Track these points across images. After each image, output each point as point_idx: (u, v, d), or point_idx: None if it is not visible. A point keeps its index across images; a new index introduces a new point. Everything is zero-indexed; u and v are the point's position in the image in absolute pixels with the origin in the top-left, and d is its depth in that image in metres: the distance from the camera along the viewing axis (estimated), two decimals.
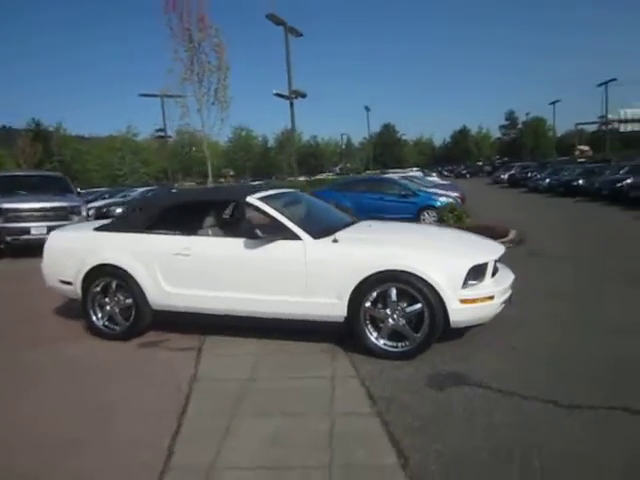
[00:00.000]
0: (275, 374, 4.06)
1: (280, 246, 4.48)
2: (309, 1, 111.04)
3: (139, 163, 53.69)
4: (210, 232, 5.41)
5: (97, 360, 4.60)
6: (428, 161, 78.81)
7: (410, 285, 4.11)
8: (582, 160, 33.11)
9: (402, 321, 4.18)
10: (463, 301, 4.08)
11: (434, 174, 39.24)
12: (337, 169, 69.92)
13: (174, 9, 12.96)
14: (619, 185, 18.00)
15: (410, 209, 13.41)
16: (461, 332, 4.54)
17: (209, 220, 5.67)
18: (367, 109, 48.01)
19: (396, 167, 55.46)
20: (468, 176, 56.80)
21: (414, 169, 46.65)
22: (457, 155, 74.91)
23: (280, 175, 63.65)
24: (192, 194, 6.53)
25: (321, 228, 4.71)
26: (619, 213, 14.51)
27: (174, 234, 4.91)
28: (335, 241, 4.44)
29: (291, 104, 21.14)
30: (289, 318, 4.53)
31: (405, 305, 4.17)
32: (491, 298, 4.20)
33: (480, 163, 66.44)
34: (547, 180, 26.96)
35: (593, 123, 76.61)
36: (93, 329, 5.13)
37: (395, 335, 4.24)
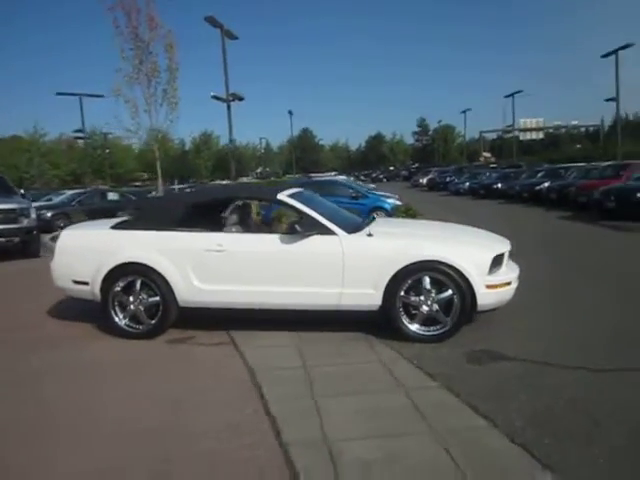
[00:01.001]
0: (326, 361, 4.29)
1: (317, 241, 4.73)
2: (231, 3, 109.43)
3: (48, 165, 50.47)
4: (242, 228, 5.52)
5: (133, 358, 4.60)
6: (344, 165, 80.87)
7: (443, 274, 4.53)
8: (494, 166, 35.67)
9: (435, 307, 4.59)
10: (488, 286, 4.56)
11: (351, 178, 40.38)
12: (255, 173, 69.78)
13: (122, 8, 12.64)
14: (538, 188, 19.81)
15: (362, 210, 13.94)
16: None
17: (240, 217, 5.77)
18: (290, 113, 48.52)
19: (316, 171, 56.45)
20: (385, 180, 59.03)
21: (332, 173, 47.79)
22: (373, 160, 77.53)
23: (199, 179, 62.48)
24: (221, 192, 6.50)
25: (349, 224, 5.02)
26: (545, 213, 15.97)
27: (206, 231, 5.00)
28: (370, 235, 4.77)
29: (228, 107, 21.10)
30: (323, 309, 4.79)
31: (435, 292, 4.58)
32: (509, 284, 4.72)
33: (392, 168, 69.23)
34: (467, 184, 28.87)
35: (496, 131, 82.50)
36: (115, 329, 5.08)
37: (427, 320, 4.64)
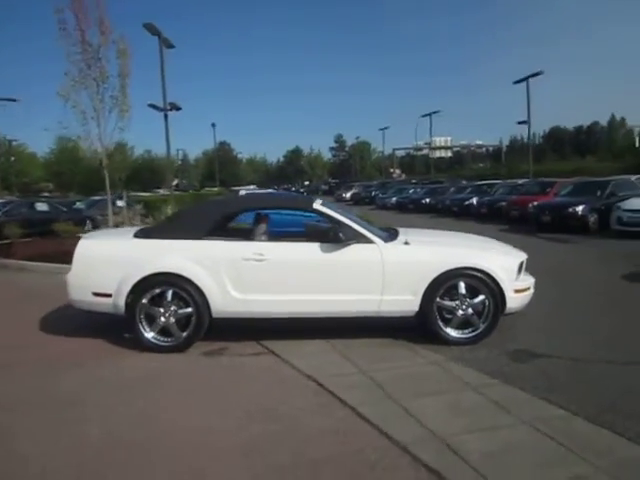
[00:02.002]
0: (378, 366, 4.40)
1: (356, 249, 4.87)
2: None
3: None
4: (276, 237, 5.49)
5: (179, 371, 4.45)
6: (262, 179, 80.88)
7: (477, 279, 4.84)
8: (414, 181, 37.36)
9: (470, 311, 4.88)
10: (516, 291, 4.93)
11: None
12: (172, 185, 67.71)
13: (74, 9, 12.01)
14: (467, 203, 21.13)
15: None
16: None
17: (272, 226, 5.72)
18: (213, 125, 47.90)
19: (236, 185, 55.94)
20: (305, 194, 59.74)
21: (251, 187, 47.65)
22: (291, 174, 78.26)
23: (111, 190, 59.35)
24: (255, 201, 6.36)
25: (382, 233, 5.19)
26: (482, 226, 17.04)
27: (241, 240, 4.96)
28: (407, 243, 4.98)
29: (165, 116, 20.53)
30: (363, 316, 4.92)
31: (469, 297, 4.88)
32: (529, 288, 5.12)
33: (307, 183, 70.34)
34: (394, 198, 30.05)
35: (408, 149, 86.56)
36: (143, 343, 4.87)
37: (462, 324, 4.91)
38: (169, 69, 20.77)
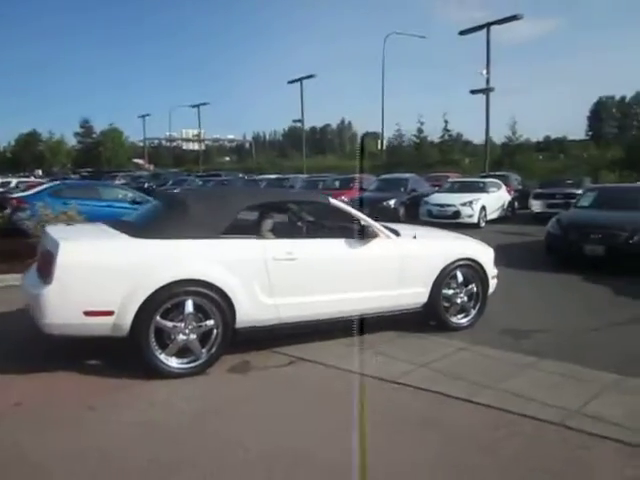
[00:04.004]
0: (424, 358, 4.44)
1: (378, 245, 4.81)
2: None
3: None
4: (302, 234, 4.87)
5: (228, 397, 3.75)
6: None
7: (471, 269, 5.28)
8: (202, 174, 36.21)
9: (465, 298, 5.30)
10: (492, 277, 5.54)
11: None
12: None
13: None
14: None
15: None
16: None
17: (296, 222, 5.00)
18: None
19: None
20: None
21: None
22: (26, 161, 67.61)
23: None
24: (271, 195, 5.33)
25: (390, 229, 5.17)
26: None
27: (272, 238, 4.39)
28: (415, 238, 5.11)
29: None
30: (382, 311, 4.89)
31: (464, 285, 5.29)
32: (497, 276, 5.78)
33: (55, 169, 62.10)
34: (177, 190, 28.77)
35: (159, 139, 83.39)
36: (160, 370, 3.94)
37: (460, 311, 5.30)
38: None
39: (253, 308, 4.23)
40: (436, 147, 40.72)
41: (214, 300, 4.04)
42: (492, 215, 15.13)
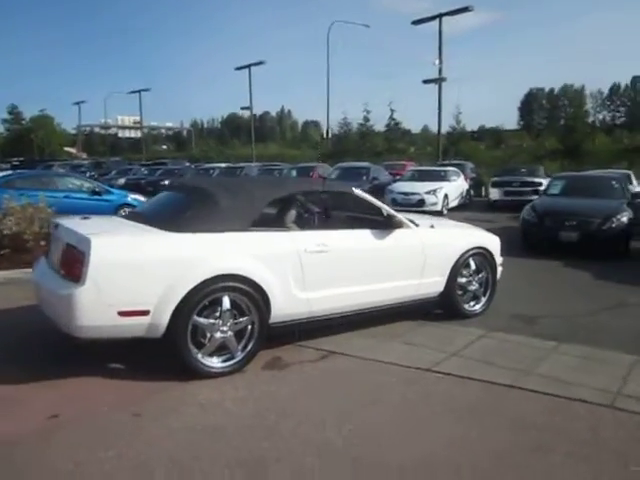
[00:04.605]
0: (452, 347, 4.49)
1: (401, 234, 4.79)
2: None
3: None
4: (330, 225, 4.71)
5: (288, 396, 3.63)
6: None
7: (483, 257, 5.38)
8: (148, 163, 34.74)
9: (477, 285, 5.40)
10: (499, 265, 5.67)
11: None
12: None
13: None
14: None
15: (107, 208, 12.20)
16: None
17: (322, 213, 4.81)
18: None
19: None
20: None
21: None
22: None
23: None
24: (296, 185, 5.03)
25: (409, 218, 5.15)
26: None
27: (300, 229, 4.26)
28: (432, 227, 5.13)
29: None
30: (403, 301, 4.90)
31: (476, 273, 5.38)
32: (502, 264, 5.90)
33: None
34: (123, 180, 27.66)
35: (91, 126, 79.76)
36: (198, 369, 3.76)
37: (473, 298, 5.39)
38: None
39: (287, 302, 4.12)
40: (381, 136, 41.20)
41: (251, 295, 3.90)
42: (453, 203, 15.53)
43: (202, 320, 3.76)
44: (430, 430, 3.14)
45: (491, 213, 15.11)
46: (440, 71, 21.77)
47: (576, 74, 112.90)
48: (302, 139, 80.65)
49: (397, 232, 4.76)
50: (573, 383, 3.77)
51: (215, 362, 3.84)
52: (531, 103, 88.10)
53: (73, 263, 3.54)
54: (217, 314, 3.81)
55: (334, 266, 4.36)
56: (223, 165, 28.04)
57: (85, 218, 4.31)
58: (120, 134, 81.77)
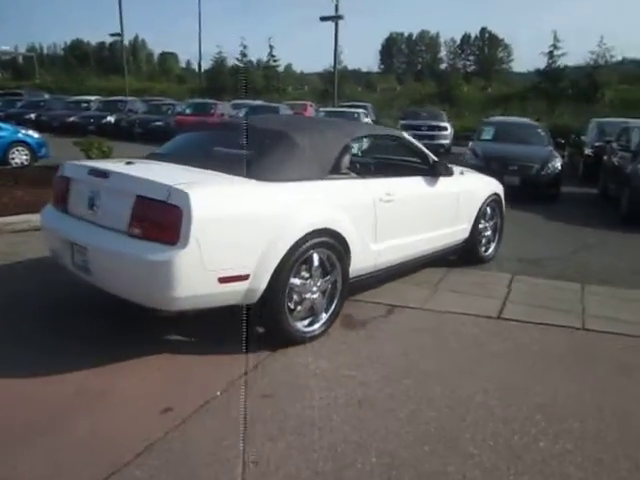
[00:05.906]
0: (496, 293, 4.58)
1: (446, 182, 4.67)
2: None
3: None
4: (390, 172, 4.26)
5: (379, 355, 3.41)
6: None
7: (496, 204, 5.49)
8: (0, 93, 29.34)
9: (490, 231, 5.52)
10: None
11: None
12: None
13: None
14: (105, 121, 19.15)
15: None
16: None
17: (382, 159, 4.28)
18: None
19: None
20: None
21: None
22: None
23: None
24: (359, 129, 4.26)
25: None
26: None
27: (370, 177, 3.93)
28: (462, 173, 5.06)
29: None
30: (443, 249, 4.85)
31: (491, 219, 5.49)
32: None
33: None
34: (32, 115, 23.23)
35: None
36: (292, 336, 3.37)
37: (486, 244, 5.50)
38: None
39: (363, 255, 3.81)
40: (260, 72, 39.83)
41: (337, 250, 3.53)
42: None
43: (297, 281, 3.33)
44: (546, 380, 3.15)
45: None
46: (336, 8, 21.25)
47: (432, 22, 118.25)
48: (161, 72, 74.76)
49: (442, 179, 4.63)
50: (629, 322, 4.05)
51: (303, 326, 3.46)
52: (391, 47, 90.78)
53: (162, 221, 2.85)
54: (307, 274, 3.40)
55: (398, 216, 4.11)
56: (93, 98, 24.96)
57: (129, 163, 3.48)
58: None
